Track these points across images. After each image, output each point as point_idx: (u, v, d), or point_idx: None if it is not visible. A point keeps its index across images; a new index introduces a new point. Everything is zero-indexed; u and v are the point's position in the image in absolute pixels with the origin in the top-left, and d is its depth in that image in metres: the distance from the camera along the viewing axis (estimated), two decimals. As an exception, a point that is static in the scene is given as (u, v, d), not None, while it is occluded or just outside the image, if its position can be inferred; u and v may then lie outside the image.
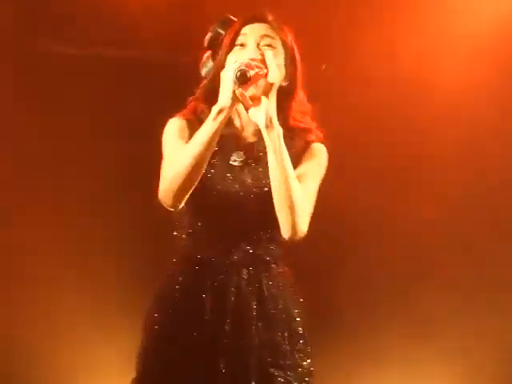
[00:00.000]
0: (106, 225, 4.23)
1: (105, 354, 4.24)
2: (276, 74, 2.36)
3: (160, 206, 2.40)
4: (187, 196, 2.35)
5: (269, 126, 2.32)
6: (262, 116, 2.33)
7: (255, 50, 2.41)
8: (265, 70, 2.35)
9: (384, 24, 4.16)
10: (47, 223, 4.18)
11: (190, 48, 2.59)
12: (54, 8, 4.13)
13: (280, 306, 2.46)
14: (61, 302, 4.22)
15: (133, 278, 4.13)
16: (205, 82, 2.50)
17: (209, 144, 2.31)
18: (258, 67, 2.34)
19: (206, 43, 2.52)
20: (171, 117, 2.51)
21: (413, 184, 4.29)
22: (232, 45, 2.45)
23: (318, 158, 2.52)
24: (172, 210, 2.38)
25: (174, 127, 2.47)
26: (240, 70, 2.28)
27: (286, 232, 2.38)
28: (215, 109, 2.31)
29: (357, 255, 4.30)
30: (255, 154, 2.47)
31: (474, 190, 4.27)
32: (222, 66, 2.39)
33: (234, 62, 2.32)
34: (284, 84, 2.45)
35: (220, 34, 2.49)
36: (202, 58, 2.55)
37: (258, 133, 2.43)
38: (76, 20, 4.14)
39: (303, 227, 2.38)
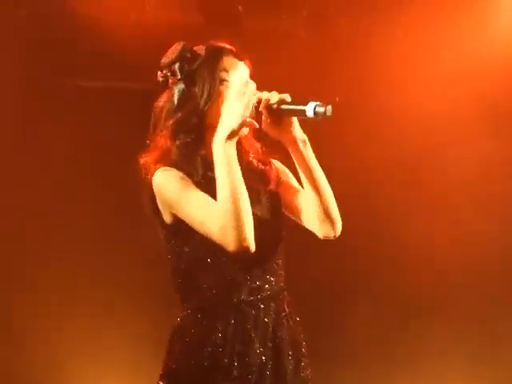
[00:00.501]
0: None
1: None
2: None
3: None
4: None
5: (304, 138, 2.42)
6: (297, 128, 2.39)
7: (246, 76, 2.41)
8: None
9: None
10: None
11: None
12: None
13: (301, 334, 2.50)
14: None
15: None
16: (178, 114, 2.40)
17: (234, 169, 2.26)
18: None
19: (174, 74, 2.42)
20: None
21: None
22: (217, 78, 2.39)
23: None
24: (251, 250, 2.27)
25: (173, 181, 2.35)
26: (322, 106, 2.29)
27: (329, 230, 2.48)
28: (224, 132, 2.26)
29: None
30: (268, 179, 2.51)
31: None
32: (212, 99, 2.36)
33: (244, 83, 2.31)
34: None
35: (188, 65, 2.41)
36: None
37: (257, 155, 2.51)
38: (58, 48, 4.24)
39: (340, 222, 2.49)
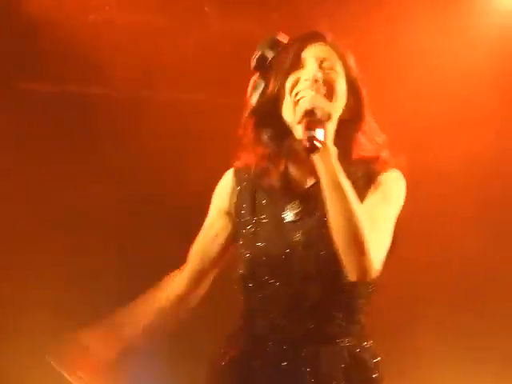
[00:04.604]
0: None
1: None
2: (337, 103, 2.16)
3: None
4: None
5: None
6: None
7: (316, 71, 2.13)
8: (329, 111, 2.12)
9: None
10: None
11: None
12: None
13: None
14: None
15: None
16: (253, 106, 2.20)
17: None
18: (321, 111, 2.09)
19: (253, 64, 2.23)
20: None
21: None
22: (291, 70, 2.16)
23: (386, 185, 2.17)
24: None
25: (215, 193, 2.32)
26: (309, 140, 2.03)
27: (351, 273, 2.01)
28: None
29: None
30: (314, 202, 2.15)
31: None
32: (278, 93, 2.15)
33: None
34: (345, 113, 2.19)
35: (267, 56, 2.21)
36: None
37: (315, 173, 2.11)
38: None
39: (376, 265, 2.02)
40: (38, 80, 4.20)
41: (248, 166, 2.24)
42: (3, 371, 4.00)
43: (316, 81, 2.13)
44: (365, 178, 2.18)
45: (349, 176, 2.05)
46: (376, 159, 2.20)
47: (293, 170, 2.21)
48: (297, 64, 2.17)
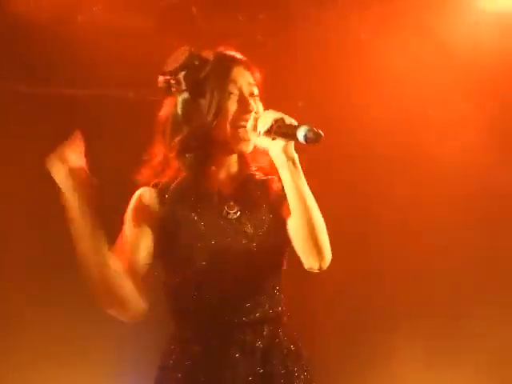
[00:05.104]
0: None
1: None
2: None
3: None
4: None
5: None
6: (278, 148, 2.21)
7: (248, 101, 2.31)
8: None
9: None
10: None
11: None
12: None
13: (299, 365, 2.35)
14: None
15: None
16: (184, 129, 2.30)
17: None
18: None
19: (179, 83, 2.29)
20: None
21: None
22: (226, 91, 2.29)
23: None
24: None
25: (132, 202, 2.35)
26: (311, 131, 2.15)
27: (313, 262, 2.26)
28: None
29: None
30: (249, 201, 2.36)
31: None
32: (220, 114, 2.26)
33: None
34: None
35: (195, 74, 2.28)
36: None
37: (237, 178, 2.37)
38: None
39: (330, 254, 2.28)
40: (25, 81, 4.18)
41: (166, 182, 2.32)
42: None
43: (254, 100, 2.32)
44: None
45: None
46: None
47: (213, 184, 2.34)
48: (230, 91, 2.29)
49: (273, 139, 2.22)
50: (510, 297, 4.35)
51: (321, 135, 2.13)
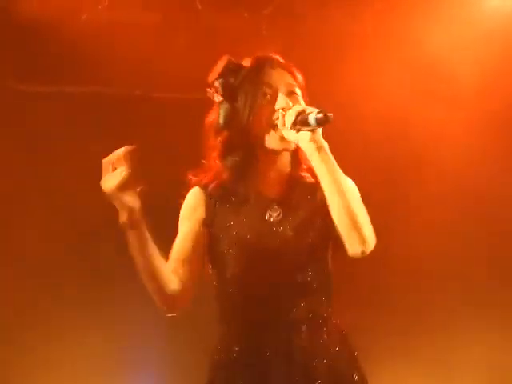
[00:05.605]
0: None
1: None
2: None
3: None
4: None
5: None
6: (306, 138, 2.23)
7: (286, 100, 2.32)
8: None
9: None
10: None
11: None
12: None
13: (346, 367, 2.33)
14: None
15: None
16: (224, 133, 2.35)
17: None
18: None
19: (217, 91, 2.34)
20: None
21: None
22: (259, 93, 2.32)
23: None
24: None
25: (185, 203, 2.40)
26: (321, 113, 2.18)
27: (355, 247, 2.22)
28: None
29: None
30: (294, 205, 2.36)
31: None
32: (254, 115, 2.30)
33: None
34: None
35: (230, 81, 2.33)
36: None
37: (287, 179, 2.39)
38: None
39: (373, 238, 2.24)
40: (32, 80, 4.21)
41: (215, 184, 2.36)
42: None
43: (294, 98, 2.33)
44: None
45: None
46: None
47: (258, 186, 2.37)
48: (265, 92, 2.32)
49: (298, 131, 2.25)
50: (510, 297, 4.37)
51: (329, 115, 2.18)
